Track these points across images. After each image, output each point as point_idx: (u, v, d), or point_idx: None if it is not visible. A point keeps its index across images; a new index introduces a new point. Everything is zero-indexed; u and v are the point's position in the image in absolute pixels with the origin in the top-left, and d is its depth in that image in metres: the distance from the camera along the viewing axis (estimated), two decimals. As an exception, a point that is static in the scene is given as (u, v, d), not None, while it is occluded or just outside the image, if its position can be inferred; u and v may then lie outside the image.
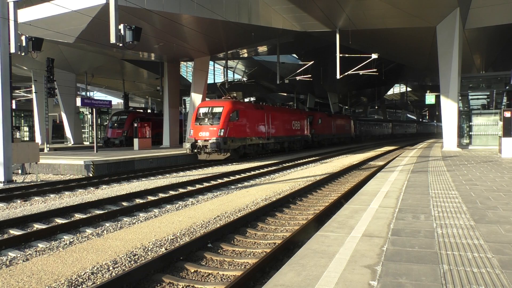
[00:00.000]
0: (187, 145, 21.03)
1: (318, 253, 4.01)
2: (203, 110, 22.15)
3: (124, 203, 10.35)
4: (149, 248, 6.25)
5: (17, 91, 44.40)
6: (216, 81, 52.93)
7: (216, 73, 53.88)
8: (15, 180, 14.55)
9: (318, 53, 36.11)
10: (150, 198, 11.11)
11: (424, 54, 28.44)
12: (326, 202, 9.93)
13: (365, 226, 5.08)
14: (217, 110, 21.72)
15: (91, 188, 12.90)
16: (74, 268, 5.35)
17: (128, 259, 5.76)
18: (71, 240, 6.84)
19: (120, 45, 13.15)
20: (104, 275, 5.19)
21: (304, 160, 21.21)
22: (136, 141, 25.81)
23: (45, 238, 7.20)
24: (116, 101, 66.29)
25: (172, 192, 11.99)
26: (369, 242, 4.36)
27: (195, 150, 20.91)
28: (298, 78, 30.25)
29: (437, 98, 24.72)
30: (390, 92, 69.45)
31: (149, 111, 42.55)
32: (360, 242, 4.39)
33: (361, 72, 25.21)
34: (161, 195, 11.56)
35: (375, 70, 26.77)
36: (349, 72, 25.07)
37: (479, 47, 27.40)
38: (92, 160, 16.46)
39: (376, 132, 57.04)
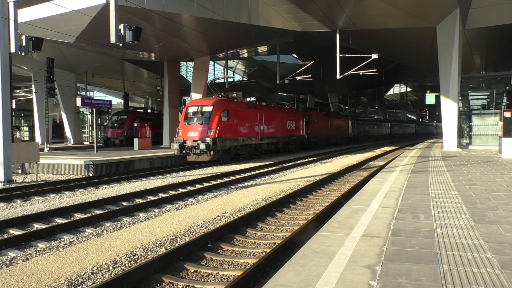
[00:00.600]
0: (175, 145, 20.02)
1: (318, 253, 4.01)
2: (192, 109, 21.15)
3: (124, 203, 10.35)
4: (149, 248, 6.25)
5: (17, 91, 44.43)
6: (216, 81, 52.95)
7: (216, 73, 53.86)
8: (15, 180, 14.55)
9: (318, 53, 36.13)
10: (150, 198, 11.11)
11: (424, 54, 28.44)
12: (326, 202, 9.93)
13: (365, 226, 5.08)
14: (207, 109, 20.74)
15: (91, 188, 12.90)
16: (74, 268, 5.36)
17: (128, 259, 5.76)
18: (71, 240, 6.84)
19: (120, 45, 13.15)
20: (104, 275, 5.19)
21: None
22: (136, 141, 25.81)
23: (45, 238, 7.20)
24: (116, 101, 66.32)
25: (172, 192, 11.99)
26: (369, 242, 4.37)
27: (184, 151, 20.03)
28: (298, 78, 30.26)
29: (437, 98, 24.74)
30: (390, 92, 69.48)
31: (149, 111, 42.54)
32: (360, 242, 4.39)
33: (361, 72, 25.22)
34: (161, 195, 11.56)
35: (375, 70, 26.77)
36: (349, 72, 25.07)
37: (479, 47, 27.40)
38: (92, 160, 16.46)
39: (375, 132, 56.19)
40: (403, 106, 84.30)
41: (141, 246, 6.31)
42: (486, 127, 21.89)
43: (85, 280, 5.02)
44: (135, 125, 26.76)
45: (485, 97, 24.74)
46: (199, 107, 20.98)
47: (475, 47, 26.47)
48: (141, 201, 10.62)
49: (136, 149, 25.46)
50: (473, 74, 30.33)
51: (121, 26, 13.00)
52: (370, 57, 23.17)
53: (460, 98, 22.20)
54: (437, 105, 40.26)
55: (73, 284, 4.88)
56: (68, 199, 11.00)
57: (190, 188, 12.75)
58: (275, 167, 18.52)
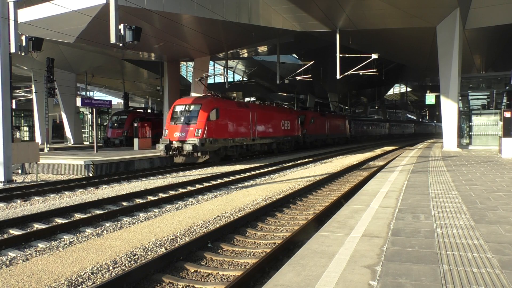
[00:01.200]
0: (160, 146, 18.98)
1: (318, 253, 4.01)
2: (179, 108, 20.09)
3: (124, 203, 10.35)
4: (149, 248, 6.25)
5: (17, 91, 44.43)
6: (216, 81, 53.00)
7: (216, 73, 53.83)
8: (15, 180, 14.55)
9: (318, 53, 36.15)
10: (150, 198, 11.11)
11: (424, 54, 28.45)
12: (326, 202, 9.93)
13: (365, 226, 5.08)
14: (194, 108, 19.67)
15: (91, 188, 12.90)
16: (74, 268, 5.36)
17: (128, 259, 5.76)
18: (71, 240, 6.84)
19: (120, 45, 13.16)
20: (104, 275, 5.19)
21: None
22: (136, 141, 25.81)
23: (45, 238, 7.20)
24: (116, 101, 66.31)
25: (172, 192, 11.99)
26: (369, 242, 4.37)
27: (170, 152, 19.08)
28: (298, 78, 30.25)
29: (437, 98, 24.75)
30: (390, 92, 69.49)
31: (149, 111, 42.54)
32: (360, 242, 4.39)
33: (361, 72, 25.22)
34: (161, 195, 11.56)
35: (375, 70, 26.78)
36: (349, 72, 25.07)
37: (479, 47, 27.41)
38: (92, 160, 16.46)
39: (373, 133, 55.26)
40: (403, 106, 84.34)
41: (141, 246, 6.31)
42: (486, 127, 21.89)
43: (85, 280, 5.02)
44: (135, 125, 26.76)
45: (485, 97, 24.74)
46: (186, 106, 19.96)
47: (475, 47, 26.47)
48: (141, 201, 10.62)
49: (136, 149, 25.46)
50: (473, 74, 30.34)
51: (121, 26, 13.00)
52: (370, 57, 23.18)
53: (460, 98, 22.20)
54: (437, 105, 40.27)
55: (73, 284, 4.88)
56: (68, 199, 11.00)
57: (190, 188, 12.75)
58: (274, 167, 18.51)
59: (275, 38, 26.89)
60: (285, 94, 60.31)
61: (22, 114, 45.45)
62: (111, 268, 5.42)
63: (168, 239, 6.74)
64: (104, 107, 32.41)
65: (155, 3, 17.65)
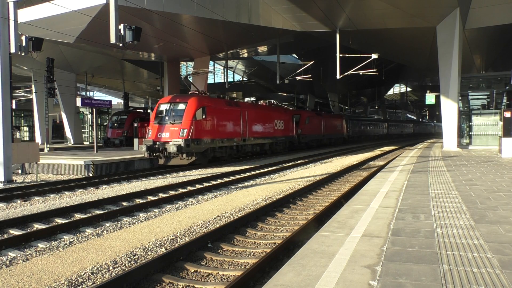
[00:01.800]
0: (143, 147, 17.93)
1: (318, 253, 4.01)
2: (163, 107, 18.96)
3: (124, 203, 10.35)
4: (149, 248, 6.25)
5: (17, 91, 44.40)
6: (216, 81, 53.02)
7: (216, 73, 53.89)
8: (15, 180, 14.55)
9: (318, 53, 36.16)
10: (150, 198, 11.11)
11: (424, 54, 28.46)
12: (326, 202, 9.93)
13: (365, 226, 5.08)
14: (180, 106, 18.56)
15: (91, 188, 12.90)
16: (74, 268, 5.36)
17: (128, 259, 5.76)
18: (71, 240, 6.84)
19: (120, 45, 13.16)
20: (104, 275, 5.19)
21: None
22: (136, 141, 25.80)
23: (45, 238, 7.20)
24: (116, 101, 66.29)
25: (172, 192, 11.99)
26: (369, 242, 4.37)
27: (155, 154, 18.02)
28: (298, 78, 30.27)
29: (437, 98, 24.74)
30: (390, 92, 69.51)
31: (149, 111, 42.46)
32: (360, 242, 4.39)
33: (361, 72, 25.22)
34: (161, 195, 11.56)
35: (375, 70, 26.78)
36: (349, 72, 25.07)
37: (479, 47, 27.41)
38: (92, 160, 16.46)
39: (371, 133, 54.26)
40: (403, 106, 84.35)
41: (141, 246, 6.31)
42: (486, 127, 21.90)
43: (85, 280, 5.02)
44: (135, 125, 26.75)
45: (485, 97, 24.75)
46: (171, 105, 18.82)
47: (475, 47, 26.48)
48: (141, 201, 10.62)
49: (136, 149, 25.45)
50: (473, 74, 30.34)
51: (121, 26, 13.00)
52: (370, 57, 23.18)
53: (460, 98, 22.20)
54: (437, 105, 40.24)
55: (73, 284, 4.88)
56: (68, 199, 11.00)
57: (190, 188, 12.75)
58: (274, 167, 18.50)
59: (275, 38, 26.91)
60: (285, 94, 60.33)
61: (22, 114, 45.46)
62: (111, 268, 5.42)
63: (168, 239, 6.74)
64: (104, 107, 32.42)
65: (155, 3, 17.66)
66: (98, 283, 4.93)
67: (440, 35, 20.73)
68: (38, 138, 35.29)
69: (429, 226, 5.04)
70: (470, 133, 22.42)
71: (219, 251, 6.32)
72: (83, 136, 42.10)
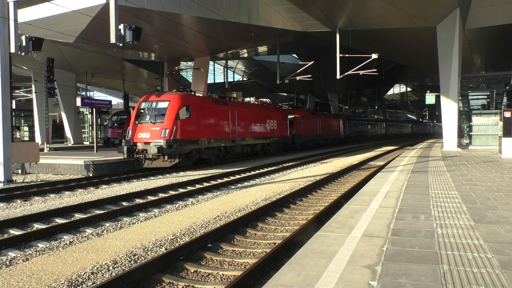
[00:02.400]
0: (122, 148, 16.92)
1: (318, 253, 4.01)
2: (144, 105, 17.82)
3: (124, 203, 10.35)
4: (149, 248, 6.25)
5: (17, 91, 44.41)
6: (216, 81, 53.03)
7: (216, 73, 53.91)
8: (15, 180, 14.55)
9: (318, 53, 36.16)
10: (150, 198, 11.11)
11: (424, 54, 28.46)
12: (326, 202, 9.93)
13: (365, 226, 5.08)
14: (162, 105, 17.40)
15: (91, 188, 12.90)
16: (74, 268, 5.36)
17: (128, 259, 5.76)
18: (71, 240, 6.84)
19: (120, 45, 13.16)
20: (104, 275, 5.19)
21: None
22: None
23: (45, 238, 7.20)
24: (116, 101, 66.25)
25: (172, 192, 11.99)
26: (369, 242, 4.37)
27: (136, 156, 16.97)
28: (298, 78, 30.26)
29: (437, 98, 24.75)
30: (390, 92, 69.51)
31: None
32: (360, 242, 4.39)
33: (361, 72, 25.23)
34: (161, 195, 11.56)
35: (375, 70, 26.79)
36: (349, 72, 25.08)
37: (479, 47, 27.42)
38: (92, 160, 16.46)
39: (369, 133, 53.20)
40: (403, 106, 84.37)
41: (141, 246, 6.31)
42: (486, 127, 21.90)
43: (85, 280, 5.02)
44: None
45: (485, 97, 24.75)
46: (153, 103, 17.64)
47: (475, 47, 26.48)
48: (141, 201, 10.61)
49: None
50: (473, 74, 30.35)
51: (121, 26, 13.00)
52: (370, 57, 23.19)
53: (460, 98, 22.21)
54: (437, 105, 40.25)
55: (73, 284, 4.88)
56: (68, 199, 11.00)
57: (190, 188, 12.76)
58: (273, 168, 18.50)
59: (275, 38, 26.91)
60: (285, 94, 60.35)
61: (22, 114, 45.46)
62: (111, 268, 5.42)
63: (168, 239, 6.74)
64: (104, 107, 32.41)
65: (155, 3, 17.66)
66: (98, 283, 4.93)
67: (440, 35, 20.74)
68: (38, 138, 35.29)
69: (429, 226, 5.04)
70: (470, 133, 22.43)
71: (219, 251, 6.32)
72: (83, 136, 42.12)
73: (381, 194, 7.49)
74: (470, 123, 22.36)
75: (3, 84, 13.76)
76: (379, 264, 3.68)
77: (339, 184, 13.17)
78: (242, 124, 22.39)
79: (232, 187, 12.82)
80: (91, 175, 16.15)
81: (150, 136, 16.85)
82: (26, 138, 43.87)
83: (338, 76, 24.61)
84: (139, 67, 37.87)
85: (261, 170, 17.25)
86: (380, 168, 16.41)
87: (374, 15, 20.98)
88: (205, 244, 6.42)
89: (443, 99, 21.24)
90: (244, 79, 49.62)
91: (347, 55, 24.11)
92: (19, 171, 17.01)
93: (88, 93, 42.35)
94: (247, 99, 26.69)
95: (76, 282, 4.92)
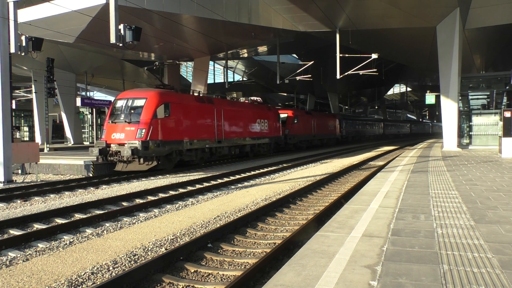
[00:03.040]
0: (94, 150, 15.49)
1: (318, 253, 4.01)
2: (120, 103, 16.40)
3: (124, 203, 10.35)
4: (149, 248, 6.25)
5: (17, 91, 44.41)
6: (216, 81, 53.04)
7: (216, 73, 53.93)
8: (15, 180, 14.55)
9: (318, 53, 36.16)
10: (150, 198, 11.11)
11: (424, 54, 28.46)
12: (326, 202, 9.93)
13: (365, 226, 5.08)
14: (138, 103, 16.07)
15: (91, 188, 12.90)
16: (74, 268, 5.36)
17: (128, 259, 5.76)
18: (71, 240, 6.84)
19: (120, 45, 13.15)
20: (104, 275, 5.19)
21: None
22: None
23: (45, 238, 7.20)
24: (116, 101, 66.13)
25: (172, 192, 11.99)
26: (369, 242, 4.36)
27: (109, 158, 15.71)
28: (298, 78, 30.27)
29: (437, 98, 24.75)
30: (390, 92, 69.51)
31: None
32: (360, 242, 4.39)
33: (361, 72, 25.24)
34: (161, 195, 11.56)
35: (375, 70, 26.81)
36: (349, 72, 25.09)
37: (479, 47, 27.42)
38: (92, 160, 16.45)
39: (366, 133, 51.70)
40: (403, 106, 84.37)
41: (141, 246, 6.31)
42: (486, 127, 21.90)
43: (85, 280, 5.02)
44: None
45: (485, 97, 24.76)
46: (128, 101, 16.26)
47: (475, 47, 26.48)
48: (141, 201, 10.61)
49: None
50: (473, 74, 30.34)
51: (121, 26, 12.99)
52: (370, 57, 23.20)
53: (460, 98, 22.21)
54: (437, 105, 40.22)
55: (73, 284, 4.88)
56: (68, 199, 11.00)
57: (190, 188, 12.76)
58: (273, 168, 18.49)
59: (275, 38, 26.91)
60: (285, 94, 60.36)
61: (22, 114, 45.46)
62: (111, 268, 5.42)
63: (168, 239, 6.74)
64: (104, 107, 32.41)
65: (155, 3, 17.67)
66: (98, 283, 4.93)
67: (440, 35, 20.74)
68: (38, 138, 35.29)
69: (429, 226, 5.04)
70: (470, 133, 22.43)
71: (219, 251, 6.32)
72: (83, 136, 42.11)
73: (381, 194, 7.49)
74: (470, 123, 22.37)
75: (3, 84, 13.76)
76: (379, 264, 3.68)
77: (339, 184, 13.17)
78: (229, 123, 21.11)
79: (232, 187, 12.82)
80: (91, 175, 16.14)
81: (124, 136, 15.58)
82: (26, 138, 43.87)
83: (338, 76, 24.61)
84: (139, 67, 37.88)
85: (261, 170, 17.24)
86: (380, 168, 16.41)
87: (374, 15, 20.98)
88: (205, 244, 6.42)
89: (443, 99, 21.24)
90: (244, 79, 49.64)
91: (347, 55, 24.11)
92: (19, 171, 17.01)
93: (88, 93, 42.34)
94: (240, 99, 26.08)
95: (76, 282, 4.92)
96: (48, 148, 25.95)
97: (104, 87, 50.81)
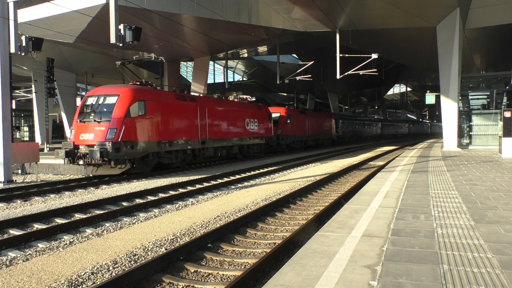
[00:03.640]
0: (60, 153, 14.31)
1: (318, 253, 4.01)
2: (90, 101, 14.99)
3: (124, 203, 10.34)
4: (149, 248, 6.25)
5: (17, 91, 44.42)
6: (216, 81, 53.03)
7: (216, 73, 53.92)
8: (15, 180, 14.55)
9: (318, 53, 36.17)
10: (150, 198, 11.11)
11: (424, 54, 28.47)
12: (326, 202, 9.93)
13: (365, 226, 5.08)
14: (109, 100, 14.67)
15: (91, 188, 12.90)
16: (74, 268, 5.36)
17: (128, 259, 5.76)
18: (71, 240, 6.84)
19: (120, 45, 13.14)
20: (104, 275, 5.19)
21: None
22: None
23: (45, 238, 7.20)
24: (116, 101, 66.13)
25: (172, 192, 11.99)
26: (369, 242, 4.36)
27: (78, 161, 14.45)
28: (298, 78, 30.26)
29: (437, 98, 24.75)
30: (390, 92, 69.53)
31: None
32: (360, 242, 4.39)
33: (361, 72, 25.24)
34: (161, 195, 11.56)
35: (375, 70, 26.80)
36: (349, 72, 25.08)
37: (479, 47, 27.42)
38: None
39: (363, 133, 50.43)
40: (403, 106, 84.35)
41: (141, 246, 6.31)
42: (486, 127, 21.91)
43: (85, 280, 5.02)
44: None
45: (485, 97, 24.76)
46: (100, 98, 14.86)
47: (475, 47, 26.48)
48: (141, 201, 10.61)
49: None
50: (473, 74, 30.34)
51: (121, 26, 12.98)
52: (370, 57, 23.20)
53: (460, 98, 22.21)
54: (437, 105, 40.21)
55: (73, 284, 4.88)
56: (68, 199, 11.00)
57: (190, 188, 12.76)
58: (274, 168, 18.48)
59: (275, 38, 26.91)
60: (285, 94, 60.36)
61: (22, 114, 45.47)
62: (111, 268, 5.42)
63: (168, 239, 6.74)
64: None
65: (155, 3, 17.66)
66: (98, 283, 4.93)
67: (440, 35, 20.74)
68: (38, 138, 35.30)
69: (429, 226, 5.04)
70: (470, 133, 22.44)
71: (219, 251, 6.32)
72: (83, 136, 42.08)
73: (381, 194, 7.49)
74: (470, 123, 22.37)
75: (3, 84, 13.76)
76: (379, 264, 3.68)
77: (339, 184, 13.17)
78: (215, 123, 19.55)
79: (232, 187, 12.82)
80: (91, 175, 16.14)
81: (93, 137, 14.18)
82: (26, 138, 43.87)
83: (338, 76, 24.61)
84: (139, 67, 37.87)
85: (262, 170, 17.23)
86: (380, 168, 16.41)
87: (374, 15, 20.98)
88: (205, 244, 6.42)
89: (443, 99, 21.25)
90: (244, 79, 49.65)
91: (347, 55, 24.11)
92: (19, 171, 17.01)
93: (88, 93, 42.30)
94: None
95: (76, 282, 4.92)
96: (48, 148, 25.96)
97: (104, 87, 50.75)
